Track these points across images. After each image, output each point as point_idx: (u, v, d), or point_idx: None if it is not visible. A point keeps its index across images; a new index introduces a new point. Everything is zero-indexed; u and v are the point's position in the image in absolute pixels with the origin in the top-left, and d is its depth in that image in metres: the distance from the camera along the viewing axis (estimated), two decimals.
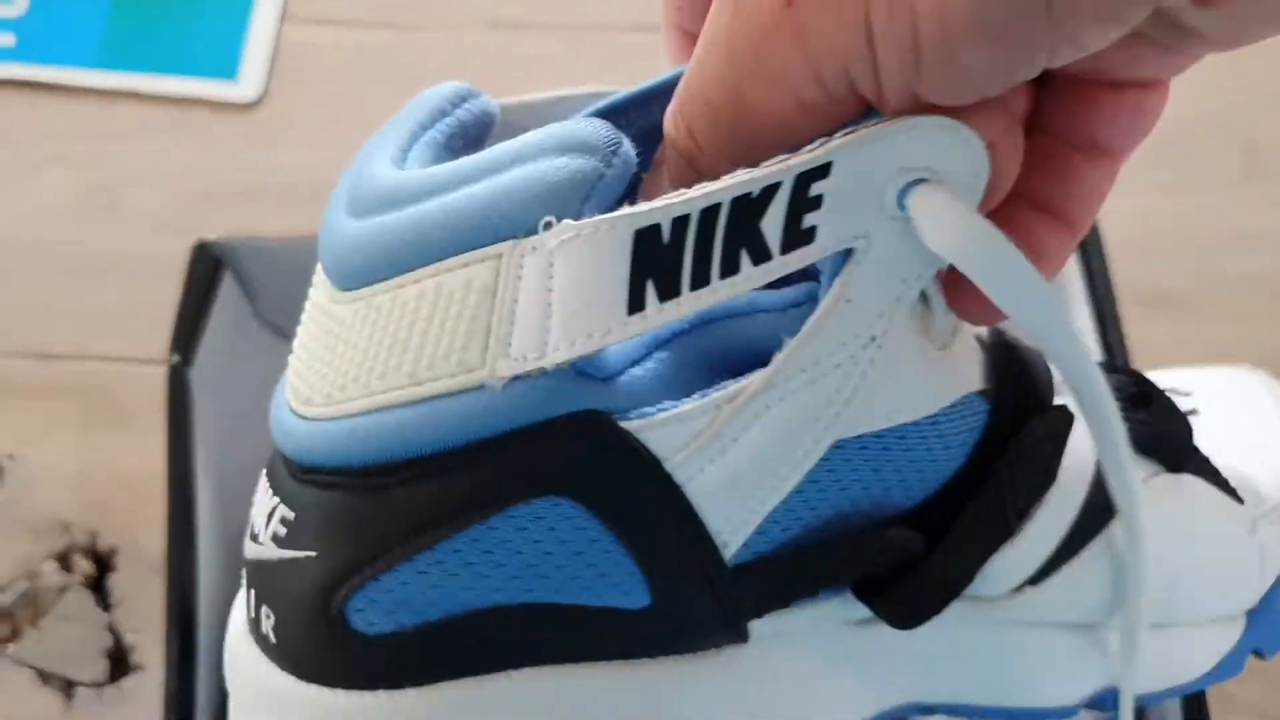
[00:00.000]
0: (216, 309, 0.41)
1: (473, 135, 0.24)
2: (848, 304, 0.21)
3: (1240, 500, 0.29)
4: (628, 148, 0.21)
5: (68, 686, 0.46)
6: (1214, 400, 0.34)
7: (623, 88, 0.25)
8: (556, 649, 0.23)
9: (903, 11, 0.19)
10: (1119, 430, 0.22)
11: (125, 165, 0.55)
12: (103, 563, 0.48)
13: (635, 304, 0.20)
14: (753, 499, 0.22)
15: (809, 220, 0.20)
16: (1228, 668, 0.30)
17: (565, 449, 0.21)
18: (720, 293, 0.20)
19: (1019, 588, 0.26)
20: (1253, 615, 0.30)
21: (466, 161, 0.21)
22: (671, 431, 0.21)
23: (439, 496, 0.21)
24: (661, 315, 0.20)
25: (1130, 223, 0.54)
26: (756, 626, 0.24)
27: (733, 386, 0.21)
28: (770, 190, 0.20)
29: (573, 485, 0.21)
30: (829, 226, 0.20)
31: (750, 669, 0.24)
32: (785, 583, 0.24)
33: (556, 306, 0.20)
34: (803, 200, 0.20)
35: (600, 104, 0.24)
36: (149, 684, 0.46)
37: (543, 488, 0.21)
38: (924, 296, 0.23)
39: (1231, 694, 0.43)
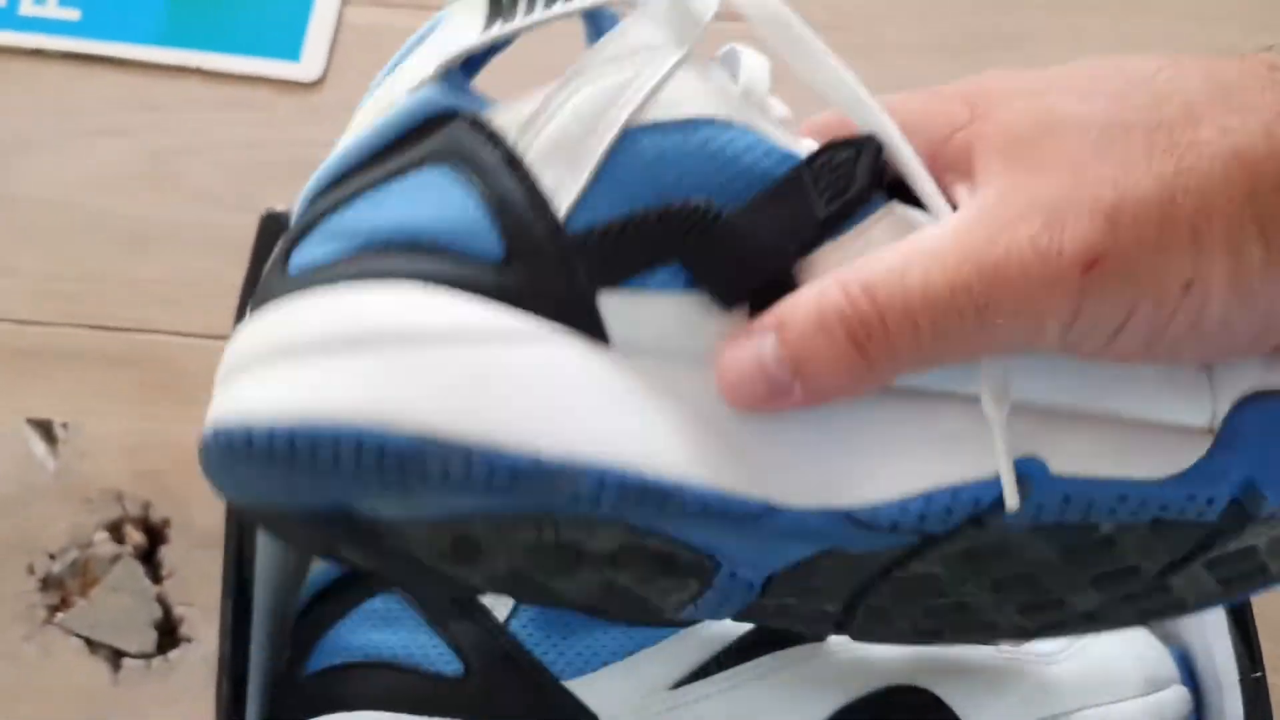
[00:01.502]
0: None
1: None
2: (633, 27, 0.29)
3: None
4: None
5: (115, 657, 0.46)
6: None
7: None
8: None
9: None
10: (902, 146, 0.27)
11: (186, 139, 0.55)
12: (154, 534, 0.48)
13: (486, 28, 0.29)
14: (575, 162, 0.28)
15: None
16: (1193, 479, 0.27)
17: (439, 131, 0.29)
18: (538, 15, 0.29)
19: None
20: (1219, 436, 0.28)
21: None
22: (512, 114, 0.28)
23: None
24: (502, 30, 0.29)
25: None
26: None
27: (555, 83, 0.28)
28: None
29: (448, 157, 0.28)
30: None
31: None
32: (617, 251, 0.27)
33: (444, 39, 0.29)
34: None
35: None
36: (196, 657, 0.46)
37: (432, 160, 0.28)
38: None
39: None
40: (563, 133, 0.28)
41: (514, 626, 0.36)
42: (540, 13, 0.29)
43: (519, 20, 0.29)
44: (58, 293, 0.52)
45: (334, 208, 0.28)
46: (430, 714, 0.35)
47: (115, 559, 0.47)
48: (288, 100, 0.56)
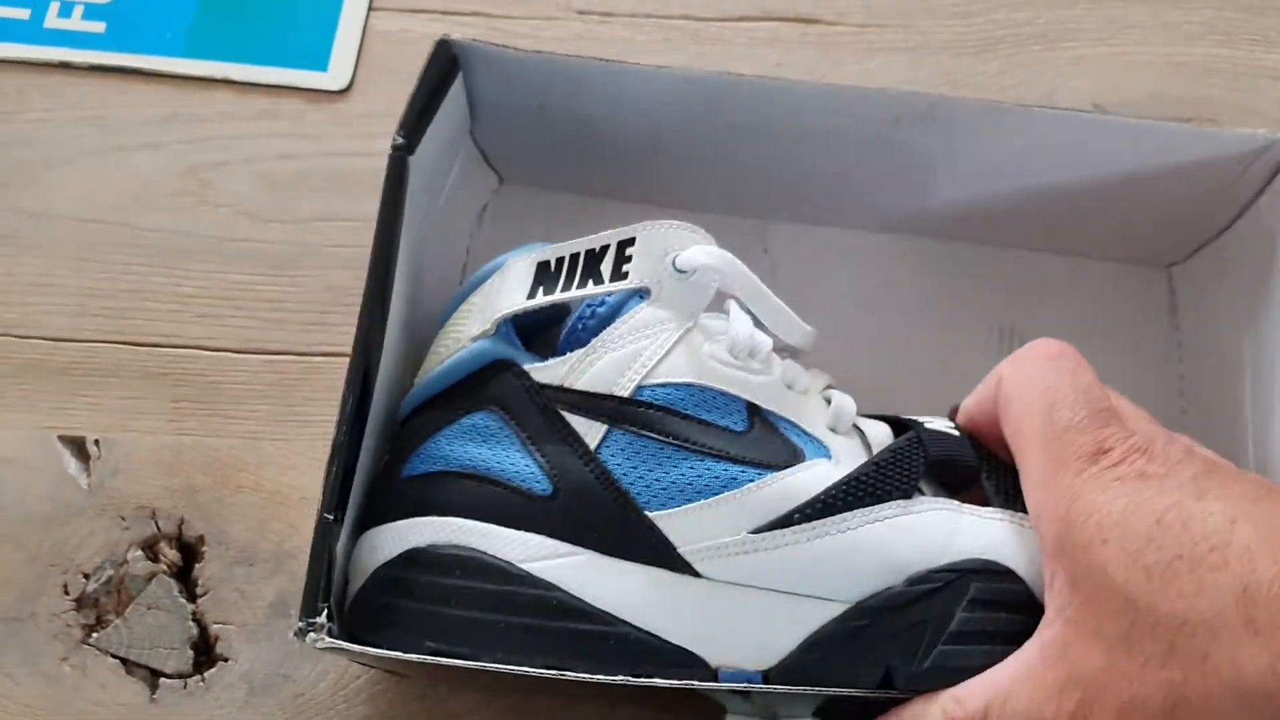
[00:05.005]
0: (444, 108, 0.44)
1: None
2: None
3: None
4: None
5: (153, 676, 0.45)
6: None
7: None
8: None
9: None
10: None
11: (220, 152, 0.55)
12: (189, 551, 0.47)
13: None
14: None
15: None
16: None
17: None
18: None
19: None
20: None
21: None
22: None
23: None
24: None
25: None
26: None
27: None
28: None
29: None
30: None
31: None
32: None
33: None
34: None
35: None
36: (234, 675, 0.45)
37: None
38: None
39: None
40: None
41: (604, 454, 0.38)
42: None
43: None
44: (94, 309, 0.51)
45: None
46: (515, 528, 0.38)
47: (150, 577, 0.47)
48: (317, 110, 0.56)
